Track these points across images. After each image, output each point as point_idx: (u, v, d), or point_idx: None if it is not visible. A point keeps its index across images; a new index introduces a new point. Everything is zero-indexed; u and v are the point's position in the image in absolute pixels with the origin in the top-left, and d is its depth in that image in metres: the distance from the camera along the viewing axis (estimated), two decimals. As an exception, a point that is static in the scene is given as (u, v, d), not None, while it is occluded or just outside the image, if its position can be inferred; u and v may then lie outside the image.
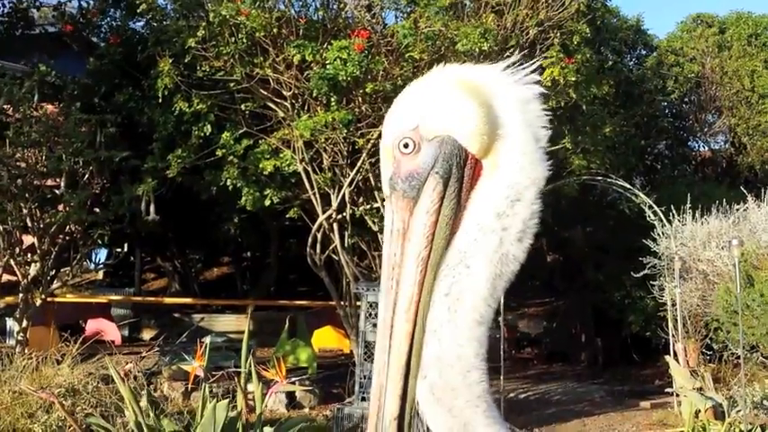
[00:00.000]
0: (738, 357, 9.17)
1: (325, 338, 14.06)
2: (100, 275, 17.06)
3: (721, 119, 17.12)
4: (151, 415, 4.30)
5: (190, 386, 5.46)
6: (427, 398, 1.25)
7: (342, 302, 9.88)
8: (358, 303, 9.03)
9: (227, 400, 4.27)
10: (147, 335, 14.43)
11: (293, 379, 6.28)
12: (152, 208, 9.26)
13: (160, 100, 8.79)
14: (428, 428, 1.26)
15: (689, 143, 18.17)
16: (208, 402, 4.21)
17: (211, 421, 3.96)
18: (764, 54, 16.54)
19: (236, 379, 4.69)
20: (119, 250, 13.35)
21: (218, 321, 14.48)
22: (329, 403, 9.76)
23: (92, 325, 12.67)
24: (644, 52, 17.30)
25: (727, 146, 18.06)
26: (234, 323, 14.20)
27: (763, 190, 10.99)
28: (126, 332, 13.88)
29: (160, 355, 10.60)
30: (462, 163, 1.29)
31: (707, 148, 18.43)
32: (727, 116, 16.92)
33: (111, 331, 12.50)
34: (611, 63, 14.68)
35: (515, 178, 1.28)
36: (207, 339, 6.85)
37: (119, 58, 9.83)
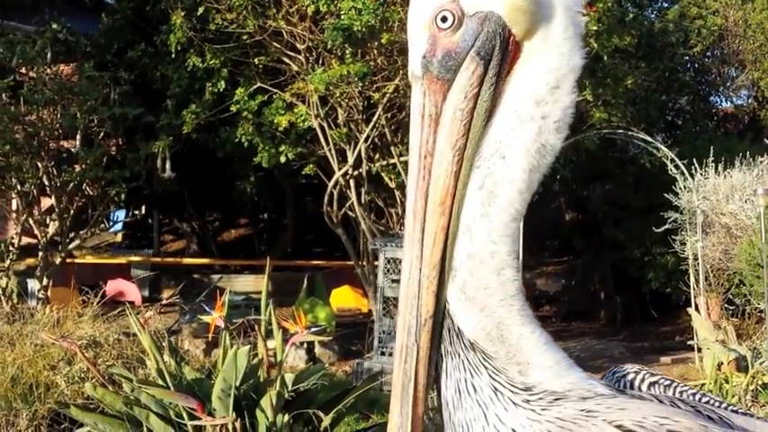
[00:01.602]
0: (761, 311, 9.06)
1: (344, 298, 14.10)
2: (119, 238, 17.17)
3: (744, 73, 16.70)
4: (172, 363, 4.29)
5: (210, 337, 5.44)
6: (458, 297, 1.19)
7: (359, 260, 9.84)
8: (375, 263, 9.00)
9: (249, 346, 4.24)
10: (166, 295, 14.50)
11: (313, 330, 6.26)
12: (168, 165, 9.24)
13: (173, 56, 8.71)
14: (459, 330, 1.19)
15: (711, 98, 17.77)
16: (228, 350, 4.18)
17: (233, 368, 3.93)
18: (790, 5, 16.05)
19: (256, 328, 4.66)
20: (136, 212, 13.40)
21: (236, 281, 14.53)
22: (348, 359, 9.80)
23: (112, 285, 12.75)
24: (666, 5, 16.85)
25: (750, 101, 17.66)
26: (252, 283, 14.25)
27: (788, 142, 10.74)
28: (146, 292, 13.98)
29: (180, 313, 10.68)
30: (505, 44, 1.19)
31: (730, 104, 18.05)
32: (751, 70, 16.48)
33: (131, 291, 12.58)
34: (632, 16, 14.32)
35: (556, 63, 1.19)
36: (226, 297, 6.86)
37: (131, 14, 9.72)
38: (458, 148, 1.19)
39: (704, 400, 1.26)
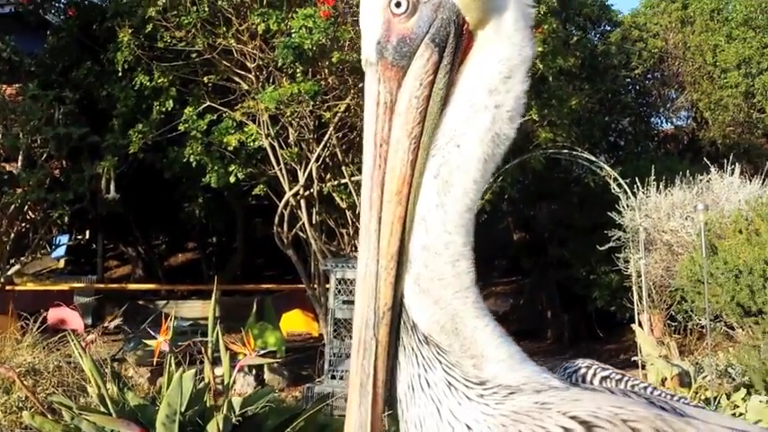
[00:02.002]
0: (702, 327, 9.30)
1: (294, 322, 13.94)
2: (61, 264, 16.68)
3: (684, 94, 17.29)
4: (115, 389, 4.16)
5: (155, 362, 5.31)
6: (413, 289, 1.18)
7: (310, 282, 9.77)
8: (327, 285, 8.94)
9: (195, 370, 4.14)
10: (110, 323, 14.14)
11: (262, 352, 6.15)
12: (112, 186, 9.04)
13: (120, 74, 8.56)
14: (413, 323, 1.18)
15: (652, 119, 18.33)
16: (174, 374, 4.08)
17: (178, 392, 3.83)
18: (727, 28, 16.69)
19: (203, 351, 4.56)
20: (80, 237, 13.05)
21: (183, 307, 14.22)
22: (299, 384, 9.68)
23: (53, 313, 12.35)
24: (608, 28, 17.35)
25: (689, 121, 18.27)
26: (200, 309, 13.98)
27: (725, 161, 11.13)
28: (89, 320, 13.58)
29: (124, 340, 10.42)
30: (459, 32, 1.20)
31: (670, 125, 18.64)
32: (690, 91, 17.08)
33: (73, 319, 12.19)
34: (576, 38, 14.71)
35: (508, 53, 1.20)
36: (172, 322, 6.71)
37: (77, 32, 9.54)
38: (414, 136, 1.18)
39: (656, 392, 1.28)
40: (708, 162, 11.33)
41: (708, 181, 10.92)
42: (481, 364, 1.16)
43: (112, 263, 18.48)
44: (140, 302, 14.34)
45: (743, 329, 8.75)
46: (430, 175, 1.18)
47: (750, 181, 10.84)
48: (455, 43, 1.20)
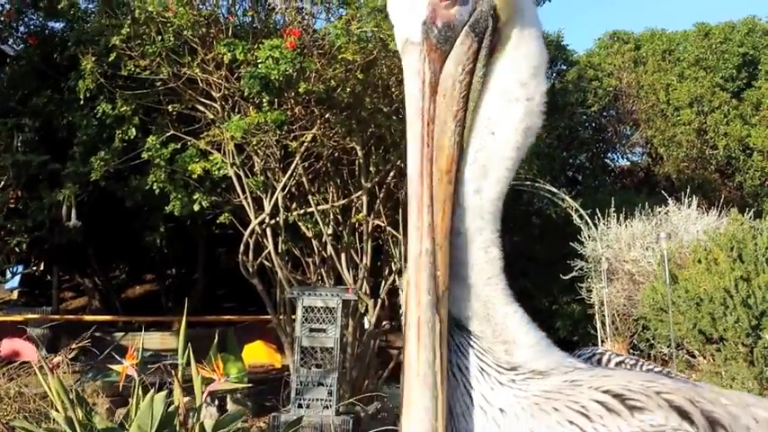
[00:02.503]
0: (665, 355, 9.43)
1: (256, 353, 13.70)
2: (14, 295, 16.20)
3: (639, 131, 17.78)
4: (80, 412, 4.02)
5: (121, 386, 5.17)
6: None
7: (275, 311, 9.65)
8: (293, 317, 8.84)
9: (165, 392, 4.03)
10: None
11: (231, 378, 6.02)
12: (73, 213, 8.84)
13: (81, 102, 8.44)
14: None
15: (608, 155, 18.78)
16: (141, 399, 3.97)
17: (148, 414, 3.72)
18: (678, 68, 17.29)
19: (173, 374, 4.45)
20: (35, 268, 12.72)
21: (142, 339, 13.90)
22: (262, 416, 9.51)
23: (7, 345, 11.96)
24: (564, 67, 17.82)
25: (644, 157, 18.76)
26: (158, 341, 13.66)
27: (683, 194, 11.42)
28: (44, 352, 13.16)
29: (82, 372, 10.13)
30: (494, 25, 1.24)
31: (626, 160, 19.11)
32: (644, 128, 17.59)
33: (27, 351, 11.82)
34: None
35: (535, 51, 1.26)
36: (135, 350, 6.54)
37: (37, 60, 9.40)
38: (458, 119, 1.21)
39: (672, 374, 1.30)
40: (665, 195, 11.62)
41: (666, 213, 11.19)
42: (512, 349, 1.18)
43: (68, 294, 18.00)
44: (97, 334, 13.97)
45: (704, 357, 8.90)
46: (469, 160, 1.21)
47: (707, 213, 11.14)
48: (491, 36, 1.24)
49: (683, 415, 1.04)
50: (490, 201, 1.21)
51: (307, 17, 8.44)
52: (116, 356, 5.40)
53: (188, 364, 4.33)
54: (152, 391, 3.92)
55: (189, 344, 4.40)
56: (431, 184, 1.18)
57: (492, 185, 1.21)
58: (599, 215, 11.02)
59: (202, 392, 4.60)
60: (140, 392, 4.33)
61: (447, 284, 1.16)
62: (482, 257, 1.20)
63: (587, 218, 10.79)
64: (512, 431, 1.14)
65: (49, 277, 15.91)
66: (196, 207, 8.64)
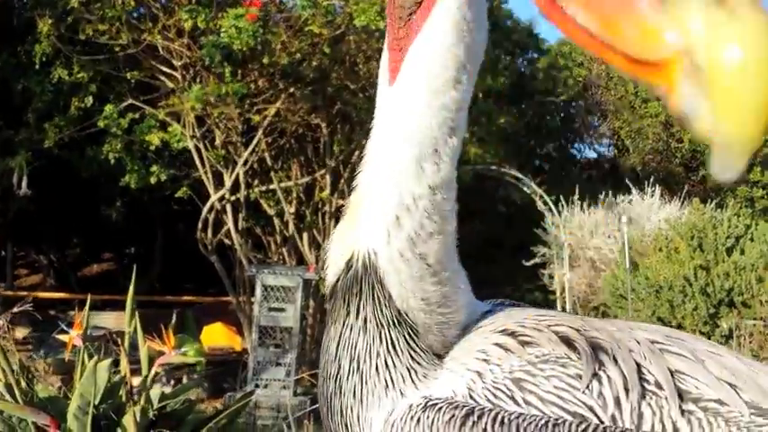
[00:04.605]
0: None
1: (215, 335, 13.45)
2: (-34, 271, 15.73)
3: (606, 122, 17.86)
4: (22, 381, 3.82)
5: (67, 357, 4.98)
6: (403, 250, 1.06)
7: (234, 291, 9.46)
8: (252, 298, 8.67)
9: (110, 360, 3.84)
10: (19, 333, 13.37)
11: (182, 351, 5.84)
12: (24, 182, 8.54)
13: (37, 67, 8.13)
14: (389, 295, 1.05)
15: (576, 145, 18.85)
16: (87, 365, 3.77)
17: (92, 382, 3.52)
18: (646, 60, 17.38)
19: (119, 343, 4.26)
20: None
21: (97, 318, 13.59)
22: (219, 397, 9.33)
23: (-46, 320, 11.62)
24: (535, 55, 17.76)
25: (611, 149, 18.87)
26: (114, 320, 13.34)
27: (646, 184, 11.48)
28: (-6, 328, 12.80)
29: (34, 349, 9.89)
30: None
31: (593, 151, 19.22)
32: (612, 120, 17.67)
33: (-24, 326, 11.49)
34: (505, 62, 15.00)
35: None
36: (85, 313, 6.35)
37: (-9, 23, 9.06)
38: None
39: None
40: (630, 184, 11.66)
41: (629, 202, 11.23)
42: (449, 344, 1.08)
43: (22, 271, 17.55)
44: (51, 312, 13.65)
45: (662, 344, 8.96)
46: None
47: (669, 203, 11.21)
48: None
49: (569, 344, 1.03)
50: (456, 153, 1.12)
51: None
52: (66, 329, 5.21)
53: (135, 333, 4.16)
54: (95, 358, 3.74)
55: (143, 327, 4.22)
56: None
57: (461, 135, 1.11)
58: (563, 202, 11.03)
59: (150, 365, 4.43)
60: (86, 361, 4.14)
61: None
62: (450, 230, 1.08)
63: (551, 204, 10.78)
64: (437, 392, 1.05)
65: (3, 253, 15.48)
66: (153, 180, 8.40)
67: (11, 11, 9.13)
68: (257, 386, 8.08)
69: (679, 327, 8.52)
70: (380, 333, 1.05)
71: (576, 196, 11.09)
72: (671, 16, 0.62)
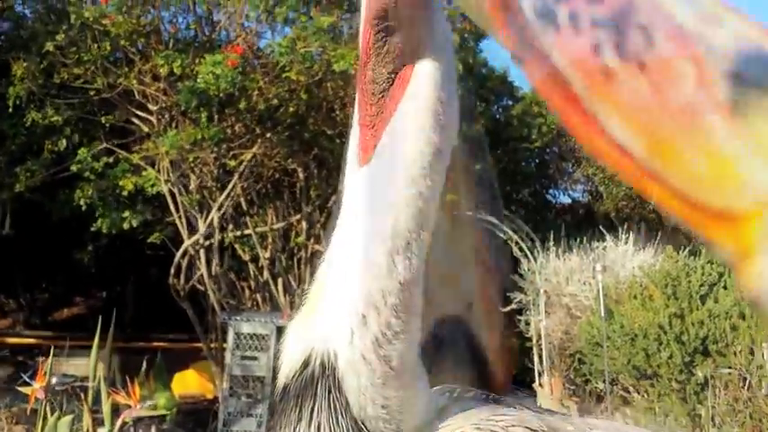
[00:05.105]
0: (601, 390, 9.42)
1: (187, 382, 13.19)
2: (-70, 314, 15.35)
3: (580, 168, 18.07)
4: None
5: (29, 409, 4.84)
6: (366, 350, 0.95)
7: (206, 337, 9.29)
8: (224, 345, 8.52)
9: (72, 416, 3.73)
10: (-15, 379, 13.01)
11: (147, 404, 5.68)
12: (7, 222, 8.39)
13: (11, 110, 8.06)
14: (346, 402, 0.95)
15: (550, 191, 19.02)
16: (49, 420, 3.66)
17: (50, 439, 3.42)
18: (618, 108, 17.70)
19: (82, 397, 4.15)
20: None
21: (68, 364, 13.29)
22: (189, 449, 9.11)
23: None
24: (510, 102, 18.01)
25: (585, 195, 19.07)
26: (84, 366, 13.02)
27: (621, 230, 11.57)
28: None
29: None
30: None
31: (567, 197, 19.39)
32: (585, 166, 17.87)
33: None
34: (480, 110, 15.20)
35: None
36: (53, 379, 6.16)
37: (-35, 65, 8.98)
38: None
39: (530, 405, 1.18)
40: (604, 231, 11.73)
41: (604, 248, 11.28)
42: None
43: (-9, 315, 17.17)
44: (20, 358, 13.31)
45: (638, 393, 8.90)
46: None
47: (644, 249, 11.27)
48: None
49: None
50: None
51: (250, 35, 8.28)
52: (29, 381, 5.04)
53: (98, 388, 4.04)
54: (57, 413, 3.62)
55: (114, 368, 4.11)
56: None
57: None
58: (539, 249, 11.06)
59: (114, 419, 4.30)
60: (48, 415, 4.02)
61: None
62: (416, 324, 0.96)
63: (527, 250, 10.81)
64: None
65: (-31, 296, 15.15)
66: (126, 225, 8.29)
67: (-16, 52, 9.08)
68: (228, 436, 7.90)
69: (655, 375, 8.50)
70: None
71: (552, 242, 11.14)
72: (756, 142, 0.43)
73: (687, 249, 10.79)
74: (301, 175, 8.75)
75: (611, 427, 1.10)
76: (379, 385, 0.92)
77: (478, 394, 1.18)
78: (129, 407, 4.79)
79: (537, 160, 18.66)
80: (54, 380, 6.82)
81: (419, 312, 0.96)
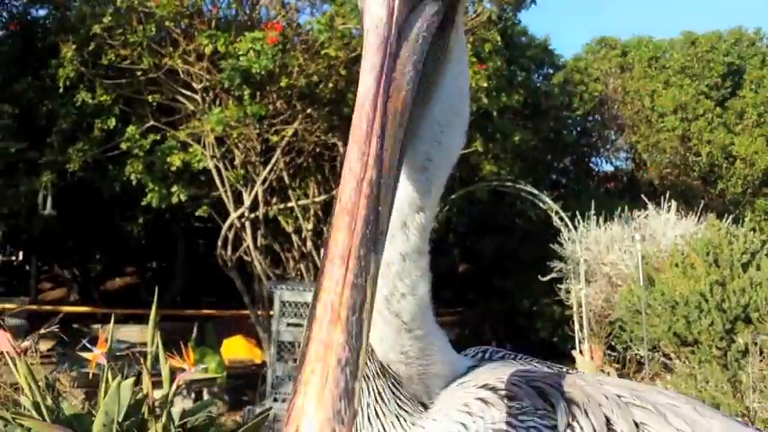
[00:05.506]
0: (641, 357, 9.47)
1: (235, 348, 13.61)
2: (-9, 285, 16.06)
3: (623, 136, 17.85)
4: (48, 398, 3.97)
5: (91, 374, 5.13)
6: (379, 311, 1.13)
7: (254, 306, 9.61)
8: (271, 312, 8.81)
9: (133, 378, 3.98)
10: (43, 346, 13.58)
11: (201, 367, 5.97)
12: (49, 202, 8.77)
13: (61, 90, 8.37)
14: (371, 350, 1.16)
15: (593, 159, 18.83)
16: (111, 384, 3.91)
17: (115, 400, 3.64)
18: (664, 76, 17.38)
19: (141, 362, 4.41)
20: (13, 258, 12.60)
21: (119, 331, 13.78)
22: (239, 410, 9.45)
23: (-20, 335, 11.84)
24: (551, 71, 17.81)
25: (628, 163, 18.83)
26: (137, 334, 13.50)
27: (662, 199, 11.48)
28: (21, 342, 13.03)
29: (57, 363, 10.05)
30: (456, 9, 1.10)
31: (610, 165, 19.18)
32: (628, 134, 17.65)
33: (2, 341, 11.72)
34: (520, 79, 15.08)
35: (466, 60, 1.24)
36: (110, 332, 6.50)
37: (18, 47, 9.32)
38: (415, 71, 0.99)
39: (550, 365, 1.36)
40: (646, 200, 11.66)
41: (645, 217, 11.23)
42: (433, 395, 1.18)
43: (46, 285, 17.85)
44: (75, 326, 13.87)
45: (679, 359, 8.94)
46: (415, 166, 1.12)
47: (686, 217, 11.20)
48: (453, 19, 1.11)
49: (545, 398, 1.15)
50: (432, 219, 1.16)
51: (290, 11, 8.41)
52: (90, 347, 5.36)
53: (157, 352, 4.30)
54: (118, 377, 3.88)
55: (164, 340, 4.35)
56: (383, 114, 0.93)
57: (435, 203, 1.16)
58: (579, 218, 11.06)
59: (171, 381, 4.56)
60: (110, 379, 4.29)
61: (385, 230, 0.92)
62: (422, 288, 1.14)
63: (567, 220, 10.83)
64: None
65: (27, 267, 15.78)
66: (174, 199, 8.60)
67: (34, 35, 9.40)
68: (275, 400, 8.20)
69: (695, 342, 8.53)
70: (368, 386, 1.16)
71: (593, 211, 11.11)
72: None
73: (730, 217, 10.70)
74: (341, 149, 8.91)
75: (619, 383, 1.23)
76: (394, 335, 1.13)
77: (508, 354, 1.36)
78: (184, 370, 5.04)
79: (579, 128, 18.48)
80: (111, 346, 7.19)
81: (423, 281, 1.15)
